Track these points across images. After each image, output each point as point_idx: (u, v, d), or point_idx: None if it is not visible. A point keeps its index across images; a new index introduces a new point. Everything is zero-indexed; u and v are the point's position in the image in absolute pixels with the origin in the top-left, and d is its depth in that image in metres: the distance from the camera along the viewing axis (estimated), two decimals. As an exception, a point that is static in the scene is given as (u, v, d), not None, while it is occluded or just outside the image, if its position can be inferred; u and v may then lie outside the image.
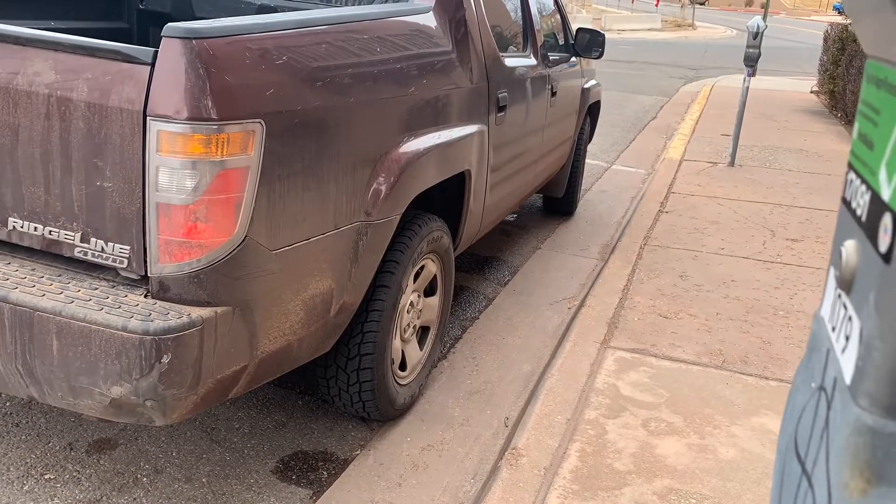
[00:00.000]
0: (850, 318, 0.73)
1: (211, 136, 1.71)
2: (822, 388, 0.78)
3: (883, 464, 0.66)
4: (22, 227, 1.91)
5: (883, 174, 0.69)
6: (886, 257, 0.66)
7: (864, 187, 0.74)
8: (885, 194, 0.68)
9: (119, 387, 1.75)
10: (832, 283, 0.81)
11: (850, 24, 10.35)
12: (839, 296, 0.77)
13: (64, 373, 1.79)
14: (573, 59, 4.89)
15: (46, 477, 2.37)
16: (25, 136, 1.83)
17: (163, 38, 1.69)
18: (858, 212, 0.75)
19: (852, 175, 0.79)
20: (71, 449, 2.49)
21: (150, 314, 1.75)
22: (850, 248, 0.74)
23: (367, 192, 2.28)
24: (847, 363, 0.71)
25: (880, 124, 0.72)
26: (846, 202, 0.80)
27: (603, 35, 4.94)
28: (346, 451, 2.66)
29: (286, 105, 1.90)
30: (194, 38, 1.69)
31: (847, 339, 0.72)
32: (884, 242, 0.67)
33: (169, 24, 1.71)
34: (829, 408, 0.74)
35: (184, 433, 2.68)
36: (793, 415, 0.87)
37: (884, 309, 0.65)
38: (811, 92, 12.85)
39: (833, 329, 0.78)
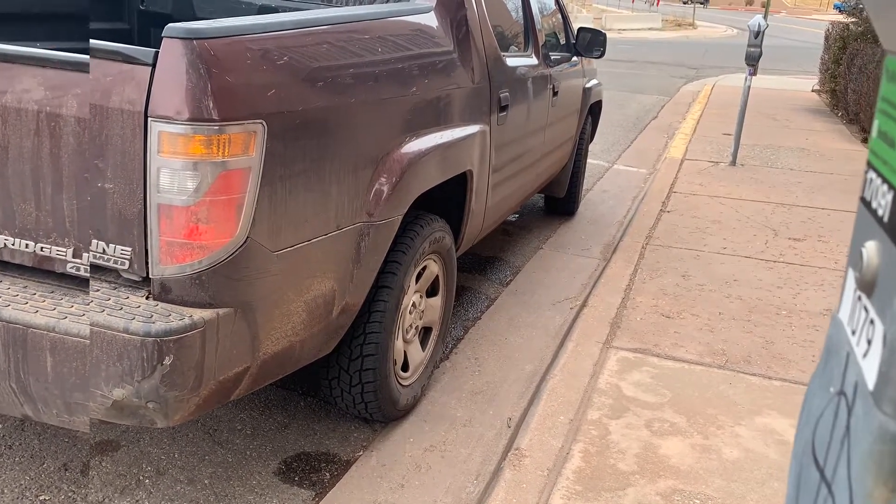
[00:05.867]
0: (871, 322, 0.71)
1: (212, 136, 1.70)
2: (841, 392, 0.76)
3: None
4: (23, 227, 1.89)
5: (905, 173, 0.68)
6: (910, 259, 0.65)
7: (885, 186, 0.73)
8: None
9: (121, 389, 1.74)
10: (851, 284, 0.79)
11: (852, 22, 10.33)
12: (859, 298, 0.75)
13: (65, 374, 1.78)
14: (574, 58, 4.87)
15: (41, 498, 2.31)
16: (26, 137, 1.81)
17: (163, 39, 1.68)
18: (880, 212, 0.73)
19: (872, 174, 0.77)
20: (65, 469, 2.43)
21: (152, 316, 1.74)
22: (871, 249, 0.72)
23: (368, 192, 2.27)
24: (869, 368, 0.69)
25: (902, 122, 0.70)
26: (865, 202, 0.79)
27: (604, 34, 4.91)
28: (349, 452, 2.65)
29: (287, 105, 1.88)
30: (195, 39, 1.68)
31: (869, 343, 0.70)
32: None
33: (170, 24, 1.69)
34: (849, 413, 0.72)
35: (186, 435, 2.66)
36: (809, 419, 0.85)
37: (908, 312, 0.64)
38: (812, 91, 12.83)
39: (853, 332, 0.76)
